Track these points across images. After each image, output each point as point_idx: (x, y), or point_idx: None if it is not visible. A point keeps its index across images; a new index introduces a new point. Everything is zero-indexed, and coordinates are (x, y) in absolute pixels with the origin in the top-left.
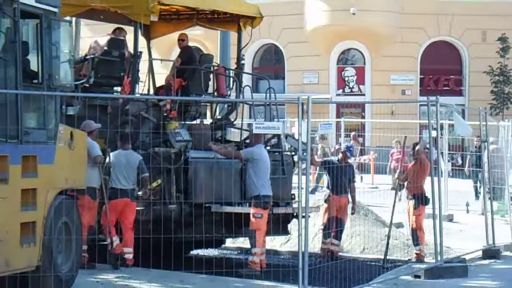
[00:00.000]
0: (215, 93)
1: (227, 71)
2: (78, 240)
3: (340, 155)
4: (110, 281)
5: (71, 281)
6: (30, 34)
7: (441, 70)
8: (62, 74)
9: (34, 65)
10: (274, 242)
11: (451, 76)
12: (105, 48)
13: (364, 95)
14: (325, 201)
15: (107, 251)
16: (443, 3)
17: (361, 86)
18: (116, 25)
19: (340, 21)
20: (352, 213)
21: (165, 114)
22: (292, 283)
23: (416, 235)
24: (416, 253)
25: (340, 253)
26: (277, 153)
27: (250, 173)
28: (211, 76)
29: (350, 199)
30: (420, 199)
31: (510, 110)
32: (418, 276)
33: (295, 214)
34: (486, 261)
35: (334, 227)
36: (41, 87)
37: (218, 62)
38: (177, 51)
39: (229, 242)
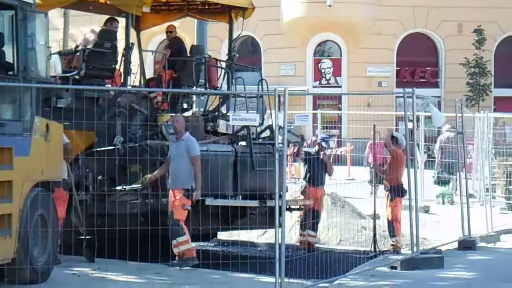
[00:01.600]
0: (207, 85)
1: (219, 63)
2: (54, 232)
3: (316, 147)
4: (87, 273)
5: (47, 273)
6: (5, 26)
7: (417, 62)
8: (38, 65)
9: (9, 56)
10: (251, 234)
11: (427, 68)
12: (97, 39)
13: (340, 87)
14: (302, 192)
15: (82, 244)
16: None
17: (337, 78)
18: (103, 16)
19: (317, 13)
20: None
21: (156, 106)
22: (269, 274)
23: (393, 227)
24: (393, 245)
25: (316, 245)
26: (270, 145)
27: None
28: (202, 67)
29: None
30: (396, 191)
31: (486, 102)
32: (395, 267)
33: (288, 207)
34: (462, 252)
35: (311, 219)
36: (16, 78)
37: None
38: (155, 42)
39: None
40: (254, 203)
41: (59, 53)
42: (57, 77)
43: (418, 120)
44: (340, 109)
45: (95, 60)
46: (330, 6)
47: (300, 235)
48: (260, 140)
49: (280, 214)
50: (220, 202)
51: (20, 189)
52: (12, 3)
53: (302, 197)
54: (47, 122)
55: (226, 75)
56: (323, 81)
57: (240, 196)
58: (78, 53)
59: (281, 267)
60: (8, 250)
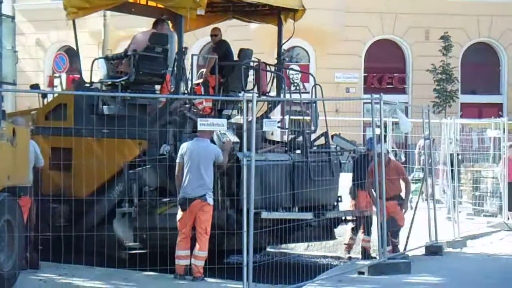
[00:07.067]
0: (258, 90)
1: (268, 67)
2: (20, 238)
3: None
4: (53, 279)
5: (13, 279)
6: None
7: (384, 68)
8: (4, 70)
9: None
10: None
11: (395, 74)
12: (148, 43)
13: (308, 92)
14: (353, 198)
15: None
16: (387, 1)
17: (305, 84)
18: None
19: None
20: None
21: (201, 112)
22: (237, 280)
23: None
24: (396, 244)
25: (284, 250)
26: (324, 154)
27: None
28: (251, 71)
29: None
30: (400, 198)
31: (453, 108)
32: (362, 273)
33: (343, 218)
34: (429, 257)
35: (363, 223)
36: None
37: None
38: (197, 45)
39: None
40: (310, 216)
41: (106, 57)
42: (103, 83)
43: (385, 126)
44: (308, 115)
45: (145, 65)
46: None
47: (351, 238)
48: (315, 148)
49: (335, 226)
50: (276, 215)
51: None
52: None
53: (353, 201)
54: (13, 127)
55: (275, 80)
56: (291, 87)
57: (297, 208)
58: (127, 58)
59: (248, 273)
60: None
